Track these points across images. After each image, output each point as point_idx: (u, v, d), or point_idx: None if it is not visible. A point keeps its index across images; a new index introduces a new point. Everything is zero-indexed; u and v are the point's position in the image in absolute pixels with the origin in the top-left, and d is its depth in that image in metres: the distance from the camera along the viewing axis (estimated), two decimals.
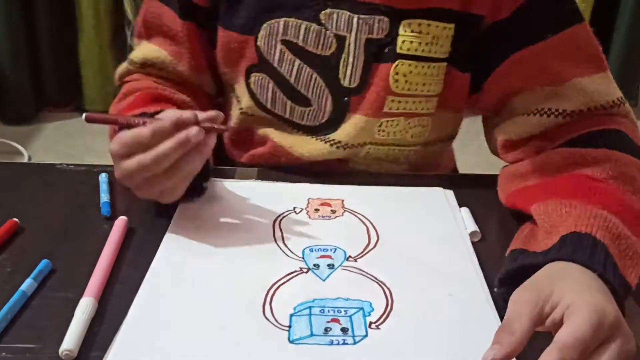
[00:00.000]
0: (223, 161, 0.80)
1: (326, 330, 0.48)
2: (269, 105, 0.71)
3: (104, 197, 0.65)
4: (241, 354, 0.45)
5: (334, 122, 0.71)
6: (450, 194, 0.69)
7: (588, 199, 0.55)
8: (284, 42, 0.68)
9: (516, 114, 0.68)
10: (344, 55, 0.68)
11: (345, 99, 0.69)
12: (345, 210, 0.65)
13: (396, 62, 0.67)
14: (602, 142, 0.62)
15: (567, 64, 0.66)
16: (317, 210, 0.65)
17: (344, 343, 0.47)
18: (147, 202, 0.64)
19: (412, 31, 0.66)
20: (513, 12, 0.67)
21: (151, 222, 0.62)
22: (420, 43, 0.67)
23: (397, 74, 0.67)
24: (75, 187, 0.68)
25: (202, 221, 0.62)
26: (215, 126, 0.57)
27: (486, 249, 0.59)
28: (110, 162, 0.74)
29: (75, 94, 2.55)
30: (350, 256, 0.57)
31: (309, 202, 0.66)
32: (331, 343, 0.47)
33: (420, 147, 0.75)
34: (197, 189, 0.64)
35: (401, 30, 0.66)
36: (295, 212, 0.64)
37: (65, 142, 2.34)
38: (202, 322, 0.48)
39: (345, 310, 0.50)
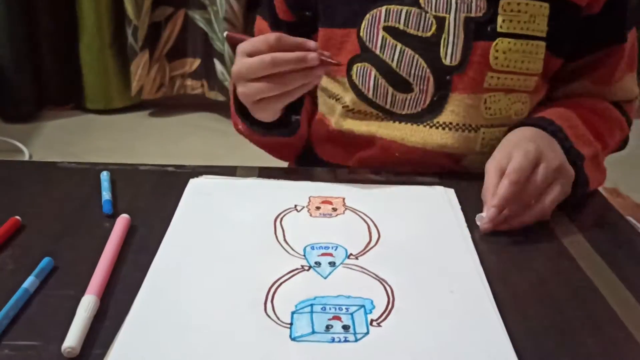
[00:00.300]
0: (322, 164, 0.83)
1: (327, 327, 0.48)
2: (370, 95, 0.74)
3: (106, 195, 0.65)
4: (243, 352, 0.45)
5: (437, 105, 0.72)
6: (451, 192, 0.69)
7: (568, 107, 0.72)
8: (385, 28, 0.71)
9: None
10: (444, 35, 0.71)
11: (448, 77, 0.71)
12: (346, 209, 0.65)
13: (496, 40, 0.70)
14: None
15: (621, 66, 0.76)
16: (318, 208, 0.65)
17: (346, 340, 0.47)
18: (148, 199, 0.64)
19: (512, 10, 0.70)
20: (602, 7, 0.72)
21: (153, 219, 0.62)
22: (519, 21, 0.70)
23: (497, 51, 0.70)
24: (77, 185, 0.68)
25: (204, 219, 0.62)
26: (330, 60, 0.62)
27: (487, 247, 0.59)
28: (111, 161, 0.74)
29: (75, 92, 2.56)
30: (351, 254, 0.57)
31: (310, 200, 0.66)
32: (332, 340, 0.47)
33: None
34: (285, 122, 0.72)
35: (500, 9, 0.69)
36: (296, 210, 0.64)
37: (65, 140, 2.34)
38: (204, 320, 0.48)
39: (346, 308, 0.50)
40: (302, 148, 0.85)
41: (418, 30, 0.71)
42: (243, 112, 0.72)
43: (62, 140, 2.35)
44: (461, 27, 0.70)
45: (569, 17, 0.72)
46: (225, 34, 0.67)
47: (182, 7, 2.49)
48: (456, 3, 0.70)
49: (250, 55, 0.63)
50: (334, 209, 0.65)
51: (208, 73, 2.55)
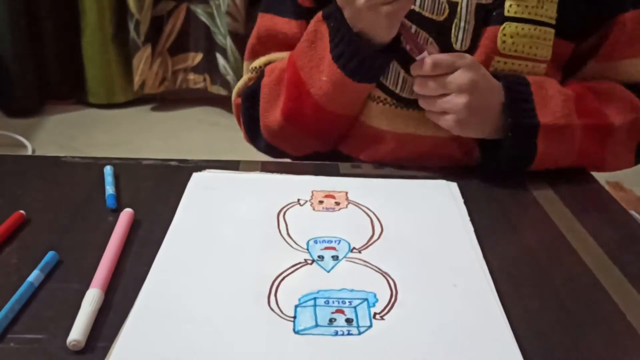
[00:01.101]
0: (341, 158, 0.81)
1: (331, 321, 0.48)
2: (382, 77, 0.74)
3: (109, 189, 0.65)
4: (246, 345, 0.46)
5: None
6: (454, 186, 0.69)
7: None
8: None
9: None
10: (456, 20, 0.72)
11: None
12: (349, 203, 0.65)
13: (504, 25, 0.71)
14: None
15: (630, 43, 0.75)
16: (321, 202, 0.65)
17: (349, 334, 0.47)
18: (151, 193, 0.64)
19: None
20: None
21: (156, 213, 0.62)
22: (526, 6, 0.71)
23: (504, 35, 0.71)
24: (81, 180, 0.68)
25: (207, 213, 0.62)
26: None
27: (490, 240, 0.60)
28: (113, 155, 0.74)
29: (78, 87, 2.56)
30: (354, 248, 0.57)
31: (313, 194, 0.66)
32: (336, 334, 0.47)
33: None
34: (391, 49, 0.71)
35: None
36: (299, 204, 0.64)
37: (68, 134, 2.34)
38: (208, 314, 0.49)
39: (349, 301, 0.50)
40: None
41: (432, 13, 0.72)
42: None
43: (65, 134, 2.35)
44: (472, 13, 0.71)
45: (578, 2, 0.72)
46: None
47: (184, 1, 2.49)
48: None
49: None
50: (337, 203, 0.65)
51: (210, 67, 2.55)
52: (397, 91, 0.74)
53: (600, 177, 0.76)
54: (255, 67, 0.81)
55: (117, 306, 0.49)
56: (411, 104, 0.74)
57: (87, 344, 0.45)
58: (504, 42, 0.71)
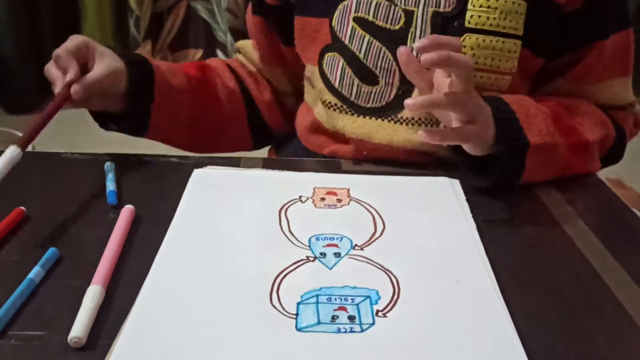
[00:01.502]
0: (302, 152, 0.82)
1: (333, 318, 0.48)
2: (337, 85, 0.73)
3: (110, 185, 0.65)
4: (249, 342, 0.45)
5: (401, 99, 0.70)
6: (456, 182, 0.69)
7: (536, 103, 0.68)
8: (355, 19, 0.71)
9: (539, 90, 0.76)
10: (411, 29, 0.70)
11: None
12: (351, 199, 0.65)
13: (464, 36, 0.68)
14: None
15: (608, 66, 0.74)
16: (323, 199, 0.65)
17: (351, 331, 0.47)
18: (152, 190, 0.64)
19: (481, 5, 0.68)
20: (582, 4, 0.70)
21: (157, 210, 0.62)
22: (488, 17, 0.68)
23: (464, 47, 0.68)
24: (81, 176, 0.68)
25: (208, 210, 0.62)
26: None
27: (492, 238, 0.59)
28: (116, 151, 0.74)
29: None
30: (356, 245, 0.57)
31: (314, 191, 0.66)
32: (338, 331, 0.47)
33: None
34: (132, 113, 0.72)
35: (469, 5, 0.68)
36: (301, 201, 0.64)
37: (68, 131, 2.34)
38: (209, 311, 0.48)
39: (352, 299, 0.50)
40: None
41: (387, 22, 0.70)
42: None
43: (65, 131, 2.34)
44: (428, 21, 0.69)
45: (548, 15, 0.70)
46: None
47: None
48: None
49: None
50: (339, 200, 0.65)
51: None
52: (352, 99, 0.73)
53: (601, 174, 0.76)
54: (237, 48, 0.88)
55: (118, 303, 0.49)
56: (366, 110, 0.73)
57: (88, 342, 0.45)
58: (464, 54, 0.67)
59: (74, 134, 2.31)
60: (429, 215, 0.63)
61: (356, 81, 0.72)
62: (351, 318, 0.48)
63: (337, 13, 0.72)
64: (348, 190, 0.66)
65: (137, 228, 0.59)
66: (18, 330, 0.46)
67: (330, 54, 0.74)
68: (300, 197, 0.65)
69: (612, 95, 0.77)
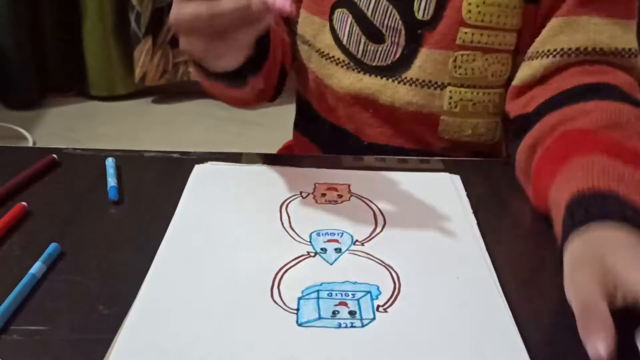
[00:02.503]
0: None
1: (334, 313, 0.48)
2: (344, 41, 0.73)
3: (111, 181, 0.65)
4: (250, 337, 0.46)
5: (406, 59, 0.71)
6: (456, 178, 0.69)
7: (582, 151, 0.55)
8: None
9: (525, 59, 0.69)
10: None
11: (419, 31, 0.70)
12: (352, 195, 0.65)
13: None
14: (592, 95, 0.63)
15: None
16: (323, 194, 0.65)
17: (352, 326, 0.47)
18: (153, 185, 0.64)
19: None
20: None
21: (158, 205, 0.62)
22: None
23: (469, 4, 0.68)
24: (82, 172, 0.68)
25: (209, 205, 0.62)
26: (278, 5, 0.51)
27: (493, 234, 0.59)
28: (114, 147, 0.74)
29: (79, 79, 2.55)
30: (357, 240, 0.57)
31: (315, 187, 0.66)
32: (339, 326, 0.47)
33: (504, 90, 0.73)
34: (252, 63, 0.61)
35: None
36: (301, 196, 0.64)
37: (69, 126, 2.34)
38: (210, 306, 0.48)
39: (352, 294, 0.50)
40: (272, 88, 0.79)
41: None
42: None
43: (66, 126, 2.35)
44: None
45: None
46: None
47: None
48: None
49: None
50: (340, 196, 0.65)
51: None
52: (359, 56, 0.73)
53: None
54: None
55: (120, 298, 0.49)
56: (371, 69, 0.73)
57: (90, 337, 0.45)
58: (469, 11, 0.68)
59: (75, 129, 2.32)
60: (429, 211, 0.63)
61: (363, 39, 0.72)
62: (352, 313, 0.48)
63: None
64: (349, 186, 0.66)
65: (138, 223, 0.59)
66: (20, 325, 0.47)
67: (340, 10, 0.73)
68: (301, 192, 0.65)
69: (610, 38, 0.66)
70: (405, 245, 0.57)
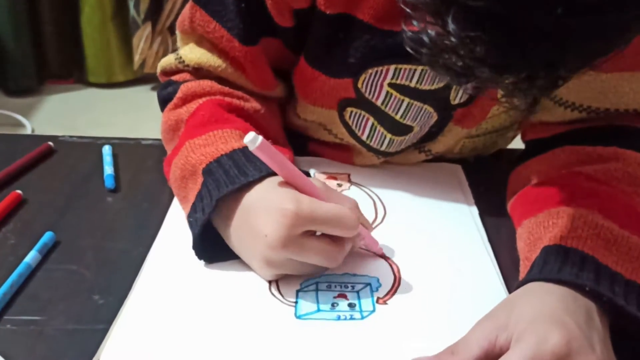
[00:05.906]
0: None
1: (333, 305, 0.47)
2: (364, 137, 0.66)
3: (108, 169, 0.64)
4: (248, 330, 0.45)
5: (432, 135, 0.67)
6: (458, 168, 0.68)
7: (581, 203, 0.51)
8: (392, 85, 0.61)
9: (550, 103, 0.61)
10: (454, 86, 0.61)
11: (452, 112, 0.64)
12: (351, 184, 0.64)
13: None
14: (615, 140, 0.57)
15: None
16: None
17: (352, 318, 0.46)
18: (151, 174, 0.64)
19: None
20: None
21: (156, 194, 0.61)
22: None
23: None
24: (79, 160, 0.67)
25: None
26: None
27: (495, 224, 0.59)
28: (112, 135, 0.73)
29: (77, 66, 2.54)
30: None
31: (314, 176, 0.65)
32: (338, 318, 0.46)
33: (517, 125, 0.70)
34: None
35: None
36: None
37: (67, 114, 2.33)
38: (208, 298, 0.48)
39: (352, 286, 0.49)
40: None
41: (432, 85, 0.61)
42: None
43: (64, 114, 2.33)
44: None
45: None
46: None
47: None
48: None
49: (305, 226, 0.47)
50: (339, 185, 0.64)
51: None
52: (383, 149, 0.66)
53: None
54: (183, 62, 0.65)
55: (115, 288, 0.49)
56: (388, 154, 0.67)
57: (85, 327, 0.45)
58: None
59: (72, 117, 2.30)
60: (430, 201, 0.62)
61: (388, 136, 0.65)
62: (351, 305, 0.47)
63: (364, 76, 0.61)
64: (349, 175, 0.66)
65: (134, 212, 0.59)
66: (14, 314, 0.46)
67: (354, 109, 0.64)
68: None
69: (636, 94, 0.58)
70: (406, 236, 0.56)
